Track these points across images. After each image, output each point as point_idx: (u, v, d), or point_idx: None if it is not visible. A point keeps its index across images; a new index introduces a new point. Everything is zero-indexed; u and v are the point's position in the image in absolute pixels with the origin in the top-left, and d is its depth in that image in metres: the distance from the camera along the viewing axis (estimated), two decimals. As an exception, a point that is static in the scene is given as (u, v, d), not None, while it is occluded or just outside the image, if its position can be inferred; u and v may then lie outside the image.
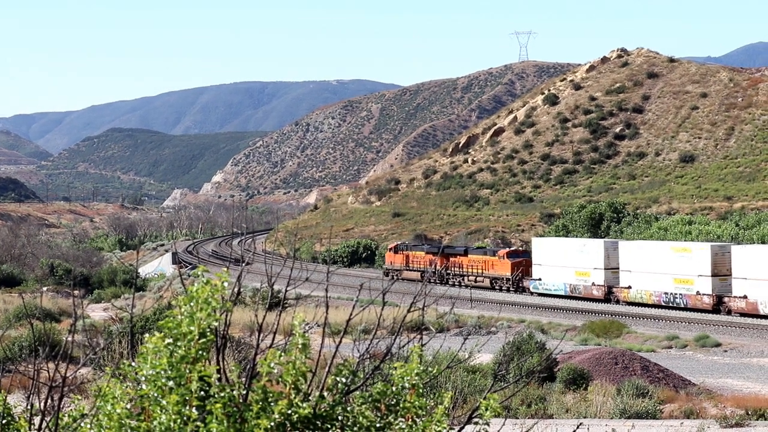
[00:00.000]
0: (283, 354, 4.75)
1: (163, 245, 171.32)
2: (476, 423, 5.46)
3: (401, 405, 5.11)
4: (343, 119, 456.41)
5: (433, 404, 5.37)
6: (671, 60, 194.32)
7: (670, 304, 71.12)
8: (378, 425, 4.99)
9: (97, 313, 69.98)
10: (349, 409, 4.92)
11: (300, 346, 4.78)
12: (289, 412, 4.65)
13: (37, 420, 5.70)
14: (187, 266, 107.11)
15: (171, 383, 4.51)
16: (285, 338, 5.08)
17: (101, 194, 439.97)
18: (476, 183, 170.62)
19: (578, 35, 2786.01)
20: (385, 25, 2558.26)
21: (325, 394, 4.89)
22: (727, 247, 69.99)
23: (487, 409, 5.42)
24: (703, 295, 68.72)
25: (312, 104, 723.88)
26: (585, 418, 32.01)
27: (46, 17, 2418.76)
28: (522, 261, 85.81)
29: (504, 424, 7.34)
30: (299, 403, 4.68)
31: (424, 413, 5.17)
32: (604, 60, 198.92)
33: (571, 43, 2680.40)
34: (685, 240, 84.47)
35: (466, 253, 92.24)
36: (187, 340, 4.54)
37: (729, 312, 66.69)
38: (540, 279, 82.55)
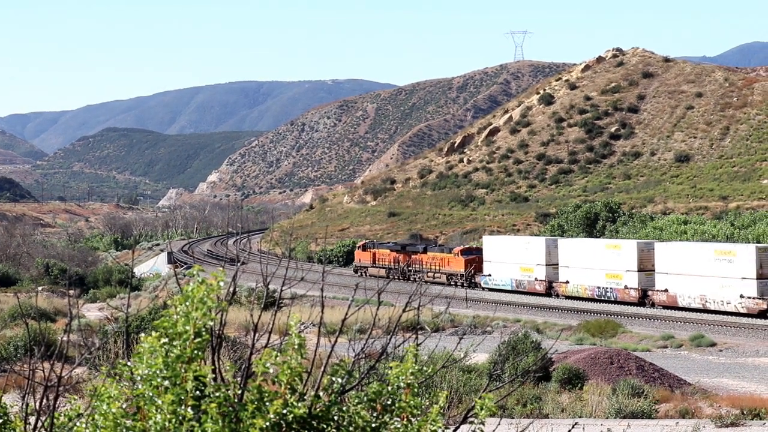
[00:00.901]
0: (278, 354, 4.75)
1: (158, 245, 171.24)
2: (471, 422, 5.46)
3: (397, 405, 5.11)
4: (338, 119, 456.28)
5: (428, 404, 5.37)
6: (666, 60, 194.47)
7: (602, 298, 75.57)
8: (373, 425, 4.99)
9: (92, 312, 69.95)
10: (344, 408, 4.92)
11: (295, 346, 4.78)
12: (285, 411, 4.64)
13: (32, 420, 5.69)
14: (182, 266, 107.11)
15: (166, 383, 4.50)
16: (280, 338, 5.08)
17: (96, 194, 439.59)
18: (472, 183, 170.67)
19: (574, 35, 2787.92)
20: (381, 25, 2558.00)
21: (321, 393, 4.89)
22: (652, 244, 74.89)
23: (482, 409, 5.42)
24: (630, 289, 73.47)
25: (307, 104, 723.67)
26: (580, 417, 32.02)
27: (41, 17, 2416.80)
28: (475, 258, 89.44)
29: (499, 424, 7.34)
30: (295, 403, 4.68)
31: (419, 413, 5.17)
32: (600, 60, 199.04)
33: (566, 43, 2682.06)
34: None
35: (425, 251, 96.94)
36: (183, 339, 4.54)
37: (653, 305, 71.51)
38: (490, 275, 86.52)
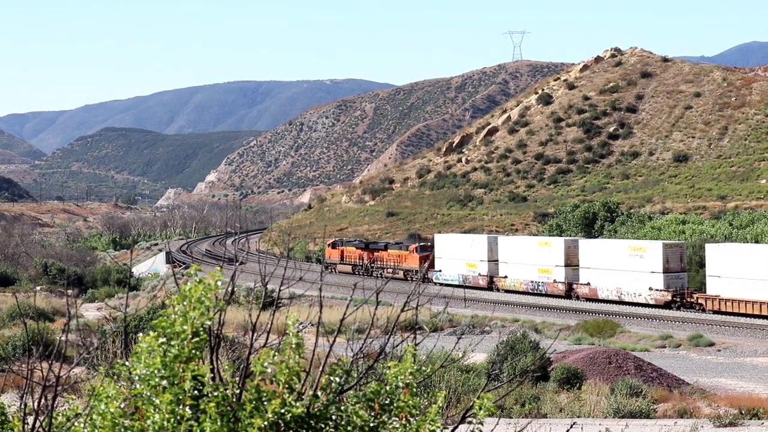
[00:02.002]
0: (276, 353, 4.75)
1: (156, 245, 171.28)
2: (470, 422, 5.46)
3: (395, 404, 5.11)
4: (336, 119, 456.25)
5: (426, 403, 5.37)
6: (665, 59, 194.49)
7: (535, 291, 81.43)
8: (372, 424, 4.99)
9: (90, 312, 69.93)
10: (342, 408, 4.92)
11: (294, 346, 4.78)
12: (283, 411, 4.64)
13: (30, 419, 5.69)
14: (180, 265, 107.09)
15: (164, 382, 4.50)
16: (279, 337, 5.08)
17: (95, 194, 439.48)
18: (470, 182, 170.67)
19: (572, 35, 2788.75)
20: (379, 25, 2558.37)
21: (319, 393, 4.89)
22: (577, 241, 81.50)
23: (480, 409, 5.42)
24: (559, 282, 79.70)
25: (306, 104, 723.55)
26: (579, 417, 32.01)
27: (40, 16, 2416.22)
28: (429, 255, 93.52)
29: (498, 424, 7.34)
30: (293, 403, 4.68)
31: (417, 412, 5.17)
32: (598, 59, 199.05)
33: (564, 43, 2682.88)
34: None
35: (386, 248, 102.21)
36: (181, 339, 4.54)
37: (577, 297, 77.72)
38: (440, 270, 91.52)
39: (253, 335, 5.74)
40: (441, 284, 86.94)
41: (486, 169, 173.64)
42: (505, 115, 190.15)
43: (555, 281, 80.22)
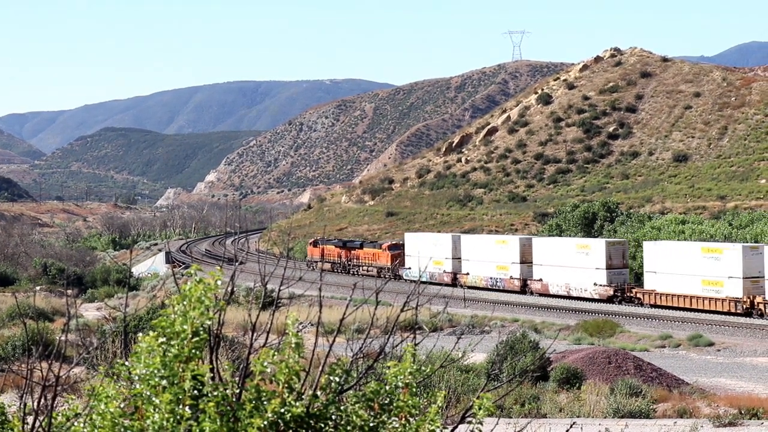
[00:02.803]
0: (276, 353, 4.75)
1: (156, 244, 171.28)
2: (469, 422, 5.46)
3: (394, 404, 5.11)
4: (336, 118, 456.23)
5: (426, 403, 5.37)
6: (664, 59, 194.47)
7: (494, 287, 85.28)
8: (371, 424, 4.99)
9: (90, 312, 69.93)
10: (342, 408, 4.92)
11: (293, 346, 4.78)
12: (282, 411, 4.64)
13: (30, 419, 5.69)
14: (180, 265, 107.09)
15: (164, 382, 4.50)
16: (278, 337, 5.08)
17: (94, 194, 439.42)
18: (470, 182, 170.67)
19: (571, 34, 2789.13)
20: (379, 25, 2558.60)
21: (319, 393, 4.89)
22: (531, 239, 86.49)
23: (480, 409, 5.42)
24: (514, 279, 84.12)
25: (305, 103, 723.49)
26: (578, 417, 32.01)
27: (39, 16, 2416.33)
28: (400, 253, 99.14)
29: (497, 424, 7.34)
30: (292, 402, 4.68)
31: (417, 412, 5.17)
32: (598, 59, 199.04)
33: (564, 43, 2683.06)
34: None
35: (361, 247, 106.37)
36: (180, 339, 4.54)
37: (531, 293, 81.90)
38: (410, 268, 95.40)
39: (252, 335, 5.74)
40: (410, 280, 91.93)
41: (486, 169, 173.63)
42: (505, 115, 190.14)
43: (511, 277, 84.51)
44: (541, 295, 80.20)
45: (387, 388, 5.14)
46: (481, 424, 5.39)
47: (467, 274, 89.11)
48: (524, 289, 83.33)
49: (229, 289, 5.97)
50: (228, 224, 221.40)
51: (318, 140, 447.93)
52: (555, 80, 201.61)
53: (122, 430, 4.58)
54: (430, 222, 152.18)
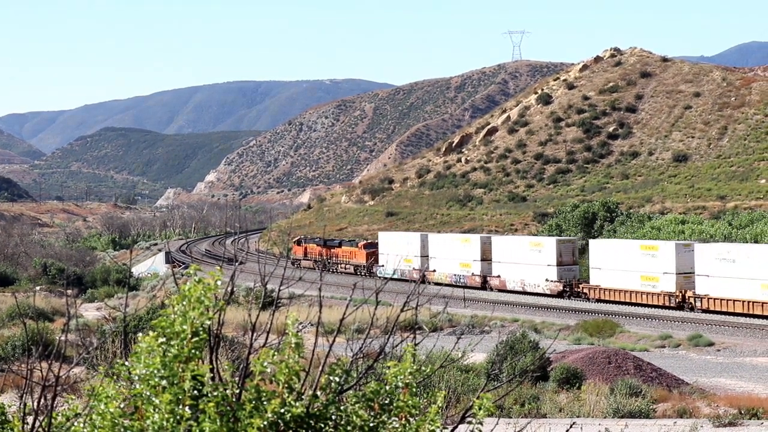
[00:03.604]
0: (276, 353, 4.75)
1: (156, 244, 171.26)
2: (469, 422, 5.46)
3: (394, 404, 5.11)
4: (336, 118, 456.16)
5: (426, 403, 5.37)
6: (664, 59, 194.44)
7: (458, 284, 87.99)
8: (371, 424, 4.99)
9: (90, 312, 69.92)
10: (342, 408, 4.92)
11: (293, 346, 4.78)
12: (282, 411, 4.64)
13: (30, 419, 5.69)
14: (180, 265, 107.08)
15: (164, 382, 4.50)
16: (278, 337, 5.08)
17: (94, 194, 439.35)
18: (470, 182, 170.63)
19: (571, 35, 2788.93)
20: (379, 25, 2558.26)
21: (319, 393, 4.88)
22: (490, 237, 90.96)
23: (480, 409, 5.41)
24: (476, 275, 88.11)
25: (305, 103, 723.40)
26: (578, 417, 32.00)
27: (39, 16, 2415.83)
28: (374, 251, 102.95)
29: (497, 424, 7.34)
30: (292, 403, 4.68)
31: (417, 412, 5.16)
32: (597, 59, 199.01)
33: (564, 43, 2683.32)
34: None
35: (340, 245, 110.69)
36: (180, 339, 4.54)
37: (491, 288, 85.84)
38: (383, 265, 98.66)
39: (252, 335, 5.73)
40: (384, 278, 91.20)
41: (485, 169, 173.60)
42: (505, 115, 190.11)
43: (473, 274, 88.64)
44: (500, 291, 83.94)
45: (387, 388, 5.13)
46: (481, 424, 5.39)
47: (434, 271, 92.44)
48: (484, 285, 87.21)
49: (229, 289, 5.97)
50: (228, 224, 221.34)
51: (318, 140, 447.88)
52: (555, 80, 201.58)
53: (122, 430, 4.58)
54: (430, 222, 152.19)
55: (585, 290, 78.06)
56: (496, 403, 5.52)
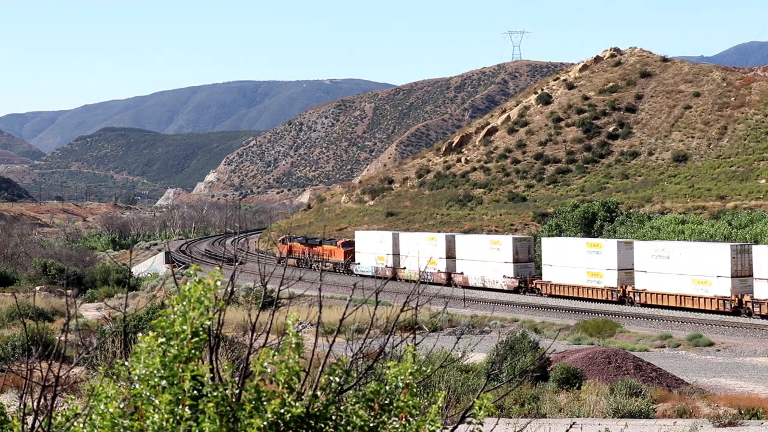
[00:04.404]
0: (276, 353, 4.75)
1: (156, 244, 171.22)
2: (469, 422, 5.46)
3: (394, 404, 5.11)
4: (336, 118, 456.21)
5: (426, 403, 5.36)
6: (664, 59, 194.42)
7: (426, 281, 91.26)
8: (371, 424, 4.99)
9: (90, 312, 69.92)
10: (342, 408, 4.92)
11: (293, 346, 4.77)
12: (282, 411, 4.64)
13: (30, 419, 5.69)
14: (180, 265, 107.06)
15: (164, 382, 4.50)
16: (278, 337, 5.08)
17: (94, 194, 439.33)
18: (469, 182, 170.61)
19: (571, 35, 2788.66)
20: (379, 25, 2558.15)
21: (318, 393, 4.88)
22: (454, 236, 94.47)
23: (480, 409, 5.41)
24: (441, 272, 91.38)
25: (305, 103, 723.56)
26: (578, 417, 32.00)
27: (39, 16, 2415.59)
28: (352, 249, 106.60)
29: (497, 424, 7.34)
30: (292, 403, 4.67)
31: (417, 412, 5.16)
32: (597, 59, 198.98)
33: (564, 43, 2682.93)
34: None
35: (321, 244, 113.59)
36: (180, 339, 4.54)
37: (455, 285, 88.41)
38: (359, 263, 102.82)
39: (252, 335, 5.73)
40: (360, 275, 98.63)
41: (485, 169, 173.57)
42: (505, 115, 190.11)
43: (439, 271, 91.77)
44: (463, 287, 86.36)
45: (387, 388, 5.13)
46: (481, 424, 5.39)
47: (404, 268, 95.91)
48: (449, 281, 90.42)
49: (229, 289, 5.96)
50: (228, 224, 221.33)
51: (318, 140, 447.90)
52: (555, 80, 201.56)
53: (122, 430, 4.57)
54: (430, 222, 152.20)
55: (538, 286, 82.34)
56: (496, 403, 5.52)
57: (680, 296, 69.78)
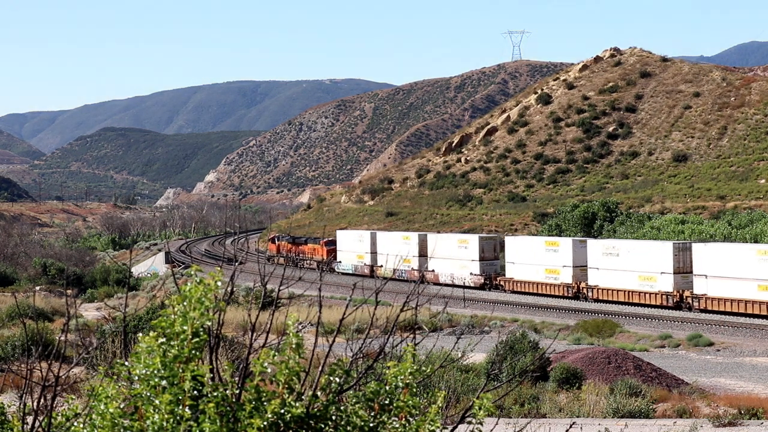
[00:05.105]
0: (276, 353, 4.75)
1: (156, 244, 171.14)
2: (469, 422, 5.46)
3: (394, 404, 5.11)
4: (336, 118, 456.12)
5: (426, 403, 5.36)
6: (664, 59, 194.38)
7: (400, 278, 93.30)
8: (371, 424, 4.99)
9: (89, 312, 69.89)
10: (342, 408, 4.92)
11: (293, 346, 4.78)
12: (282, 411, 4.64)
13: (30, 419, 5.69)
14: (180, 265, 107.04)
15: (164, 383, 4.50)
16: (278, 337, 5.08)
17: (94, 193, 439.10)
18: (469, 182, 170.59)
19: (571, 35, 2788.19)
20: (379, 25, 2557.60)
21: (318, 393, 4.88)
22: (426, 235, 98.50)
23: (480, 409, 5.41)
24: (414, 270, 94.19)
25: (305, 103, 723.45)
26: (578, 417, 31.99)
27: (38, 16, 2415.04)
28: (334, 248, 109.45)
29: (497, 424, 7.34)
30: (292, 403, 4.68)
31: (417, 412, 5.16)
32: (597, 59, 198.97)
33: (564, 43, 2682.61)
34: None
35: (306, 243, 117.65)
36: (180, 339, 4.54)
37: (427, 282, 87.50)
38: (340, 261, 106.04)
39: (252, 335, 5.73)
40: (341, 273, 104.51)
41: (485, 169, 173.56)
42: (505, 115, 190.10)
43: (412, 269, 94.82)
44: (434, 284, 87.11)
45: (387, 388, 5.13)
46: (481, 424, 5.39)
47: (381, 266, 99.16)
48: (422, 279, 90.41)
49: (229, 289, 5.96)
50: (228, 224, 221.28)
51: (318, 140, 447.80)
52: (555, 80, 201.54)
53: (122, 430, 4.58)
54: (430, 222, 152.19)
55: (502, 283, 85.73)
56: (495, 403, 5.52)
57: (628, 292, 73.60)
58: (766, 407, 33.43)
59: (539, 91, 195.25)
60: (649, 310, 70.69)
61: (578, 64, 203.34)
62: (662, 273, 71.21)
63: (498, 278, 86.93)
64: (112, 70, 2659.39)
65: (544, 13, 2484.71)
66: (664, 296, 71.03)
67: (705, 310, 67.63)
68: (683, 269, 70.43)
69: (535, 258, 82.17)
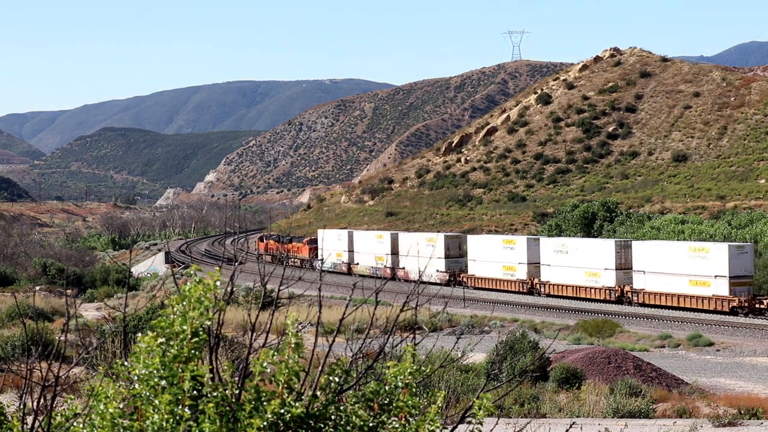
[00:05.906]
0: (276, 353, 4.75)
1: (155, 244, 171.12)
2: (469, 422, 5.46)
3: (394, 404, 5.10)
4: (336, 118, 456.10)
5: (426, 403, 5.36)
6: (664, 59, 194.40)
7: (375, 275, 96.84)
8: (371, 424, 4.98)
9: (89, 312, 69.89)
10: (341, 408, 4.91)
11: (293, 346, 4.77)
12: (282, 411, 4.64)
13: (29, 419, 5.68)
14: (179, 265, 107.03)
15: (164, 383, 4.49)
16: (278, 337, 5.08)
17: (94, 193, 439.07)
18: (469, 182, 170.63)
19: (571, 35, 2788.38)
20: (378, 24, 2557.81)
21: (318, 393, 4.88)
22: (398, 234, 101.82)
23: (480, 409, 5.41)
24: (387, 268, 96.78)
25: (305, 103, 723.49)
26: (578, 417, 31.99)
27: (38, 16, 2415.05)
28: (316, 247, 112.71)
29: (497, 423, 7.34)
30: (292, 403, 4.67)
31: (417, 412, 5.16)
32: (597, 59, 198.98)
33: (564, 43, 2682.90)
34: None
35: (291, 241, 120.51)
36: (180, 339, 4.53)
37: (399, 279, 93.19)
38: (322, 260, 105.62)
39: (252, 335, 5.73)
40: (322, 271, 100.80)
41: (485, 168, 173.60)
42: (505, 115, 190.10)
43: (385, 266, 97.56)
44: (405, 281, 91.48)
45: (387, 388, 5.13)
46: (481, 424, 5.38)
47: (357, 264, 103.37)
48: (393, 276, 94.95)
49: (229, 289, 5.96)
50: (227, 224, 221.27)
51: (318, 140, 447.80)
52: (554, 80, 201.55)
53: (122, 430, 4.57)
54: (430, 222, 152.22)
55: (465, 279, 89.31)
56: (495, 403, 5.52)
57: (576, 287, 78.12)
58: (766, 407, 33.44)
59: (539, 91, 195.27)
60: (651, 311, 70.79)
61: (578, 64, 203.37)
62: (606, 269, 75.42)
63: (461, 275, 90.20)
64: (112, 70, 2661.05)
65: (544, 13, 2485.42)
66: (607, 291, 75.29)
67: (643, 304, 71.86)
68: (624, 266, 74.50)
69: (495, 255, 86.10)
